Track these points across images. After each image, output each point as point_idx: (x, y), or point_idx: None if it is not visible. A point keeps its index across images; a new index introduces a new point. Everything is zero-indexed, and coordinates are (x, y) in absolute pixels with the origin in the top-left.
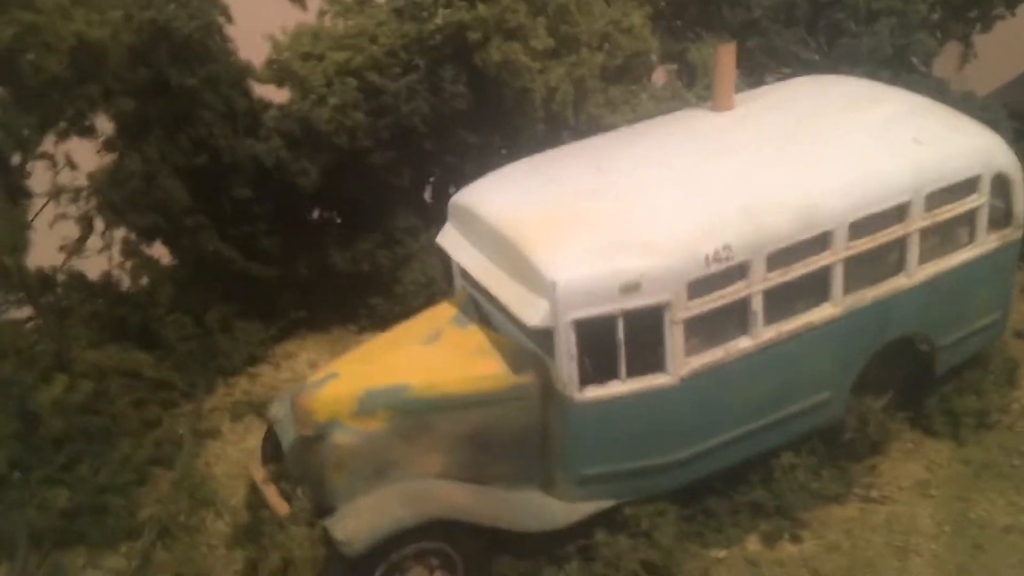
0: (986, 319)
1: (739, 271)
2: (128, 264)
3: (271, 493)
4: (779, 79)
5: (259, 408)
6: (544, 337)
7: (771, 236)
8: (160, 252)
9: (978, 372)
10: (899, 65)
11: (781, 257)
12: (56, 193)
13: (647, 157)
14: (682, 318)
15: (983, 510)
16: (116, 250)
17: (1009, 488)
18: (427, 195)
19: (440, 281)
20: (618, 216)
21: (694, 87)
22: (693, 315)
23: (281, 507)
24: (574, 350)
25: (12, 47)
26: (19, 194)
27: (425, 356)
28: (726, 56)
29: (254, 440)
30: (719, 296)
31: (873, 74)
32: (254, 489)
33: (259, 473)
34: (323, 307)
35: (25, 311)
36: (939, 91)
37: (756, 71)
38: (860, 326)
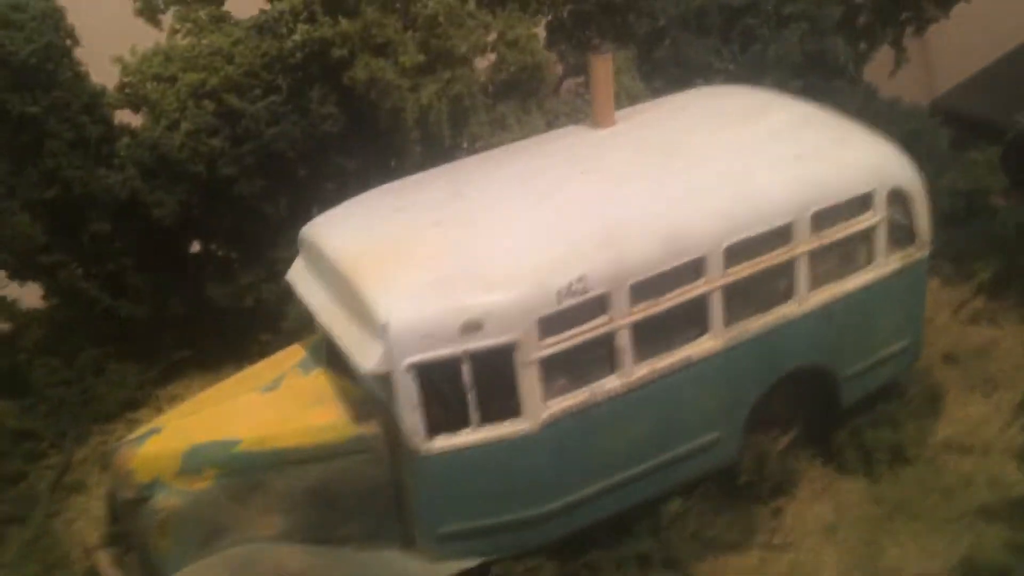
0: (895, 346)
1: (599, 305)
2: None
3: (103, 560)
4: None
5: None
6: (386, 384)
7: (634, 265)
8: (25, 292)
9: (894, 402)
10: (817, 72)
11: (648, 288)
12: None
13: (510, 180)
14: (535, 358)
15: (893, 557)
16: None
17: (923, 530)
18: None
19: None
20: (465, 248)
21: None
22: (548, 355)
23: (109, 574)
24: (416, 398)
25: None
26: None
27: (259, 406)
28: (602, 67)
29: None
30: (577, 333)
31: (783, 83)
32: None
33: (93, 537)
34: (209, 345)
35: None
36: (865, 98)
37: (671, 84)
38: (747, 359)
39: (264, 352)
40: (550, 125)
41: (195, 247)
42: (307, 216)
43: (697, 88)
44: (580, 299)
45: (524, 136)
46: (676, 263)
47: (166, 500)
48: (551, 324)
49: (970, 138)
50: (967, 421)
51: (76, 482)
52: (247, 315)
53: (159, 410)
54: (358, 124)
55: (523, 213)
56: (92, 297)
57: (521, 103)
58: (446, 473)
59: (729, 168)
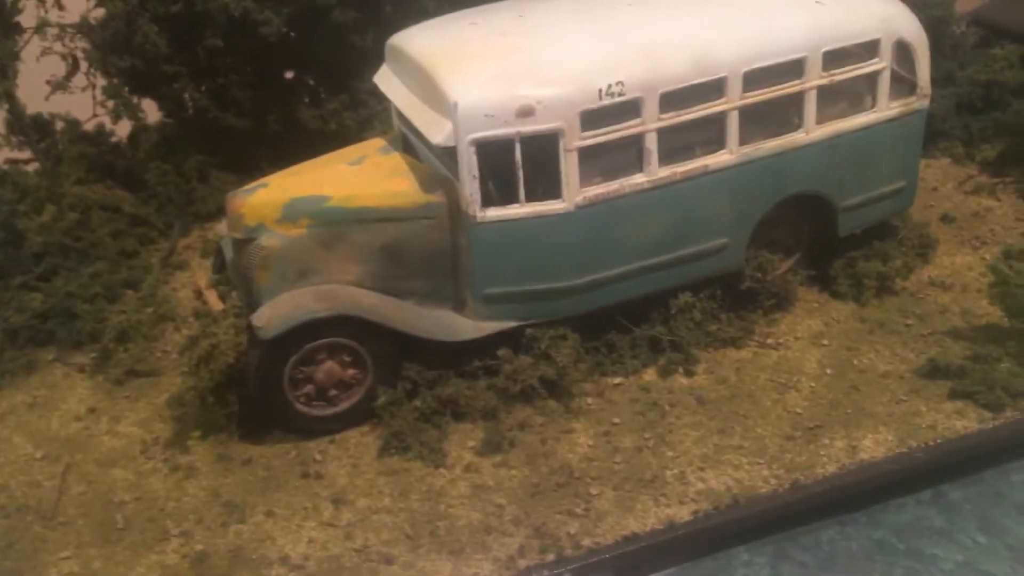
0: (890, 186)
1: (632, 108)
2: (111, 105)
3: (211, 296)
4: None
5: None
6: (451, 159)
7: (665, 77)
8: (146, 107)
9: (888, 241)
10: None
11: (675, 99)
12: (41, 27)
13: (568, 7)
14: (576, 147)
15: (868, 359)
16: (99, 91)
17: (897, 342)
18: None
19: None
20: (524, 51)
21: None
22: (587, 145)
23: (218, 306)
24: (476, 170)
25: None
26: (10, 29)
27: (348, 174)
28: None
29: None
30: (613, 130)
31: None
32: (199, 296)
33: (203, 280)
34: (292, 161)
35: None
36: None
37: None
38: (757, 176)
39: None
40: None
41: (290, 75)
42: None
43: None
44: (618, 100)
45: None
46: (701, 79)
47: (268, 240)
48: (592, 118)
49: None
50: (952, 266)
51: (180, 262)
52: (329, 136)
53: None
54: None
55: (576, 30)
56: (202, 107)
57: None
58: (495, 240)
59: (757, 5)
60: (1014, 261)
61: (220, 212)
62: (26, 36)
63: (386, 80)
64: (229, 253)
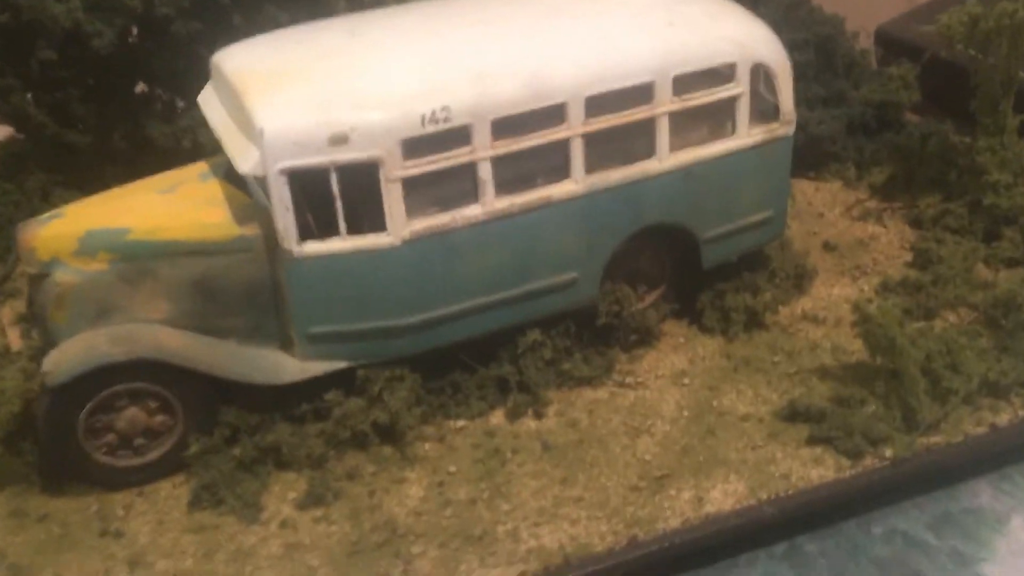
0: (756, 216)
1: (461, 135)
2: None
3: (12, 335)
4: None
5: None
6: (264, 187)
7: (496, 102)
8: None
9: (760, 272)
10: None
11: (512, 126)
12: None
13: (400, 25)
14: (398, 176)
15: (728, 399)
16: None
17: (762, 382)
18: None
19: None
20: (343, 74)
21: None
22: (412, 175)
23: (11, 341)
24: (289, 202)
25: None
26: None
27: (156, 203)
28: None
29: None
30: (440, 159)
31: None
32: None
33: (7, 317)
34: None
35: None
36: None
37: None
38: (606, 207)
39: None
40: None
41: (141, 88)
42: None
43: None
44: (443, 127)
45: None
46: (537, 105)
47: (63, 276)
48: (415, 147)
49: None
50: (829, 299)
51: (14, 289)
52: (185, 156)
53: None
54: None
55: (404, 51)
56: (40, 123)
57: None
58: (316, 276)
59: (602, 27)
60: (891, 294)
61: None
62: None
63: (207, 101)
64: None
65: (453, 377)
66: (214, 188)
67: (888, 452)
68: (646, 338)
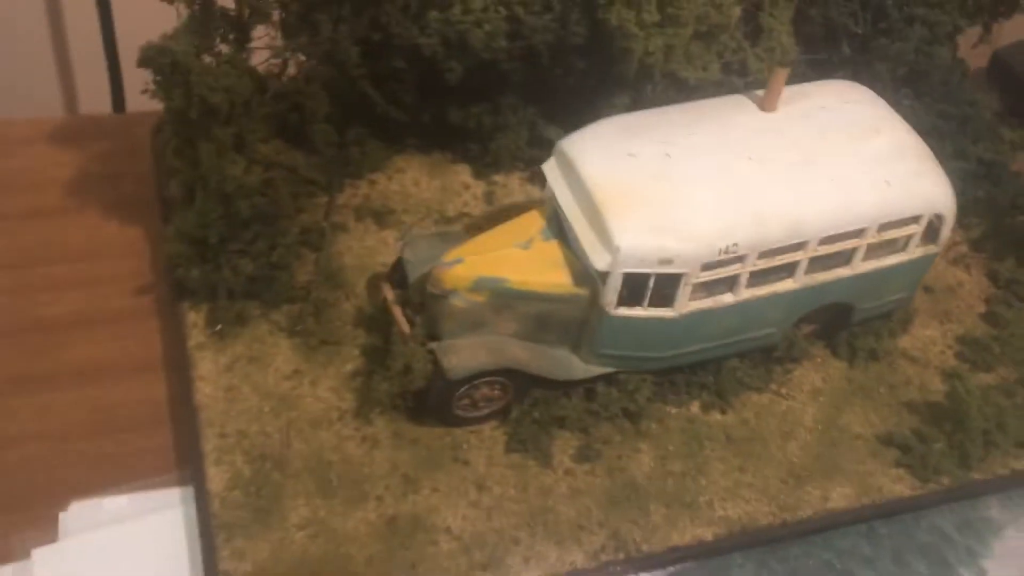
0: (897, 296)
1: (739, 259)
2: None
3: (398, 313)
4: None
5: (376, 213)
6: (603, 275)
7: (766, 240)
8: None
9: (881, 321)
10: (919, 81)
11: (769, 253)
12: None
13: (702, 149)
14: (693, 282)
15: (847, 419)
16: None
17: (871, 408)
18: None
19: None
20: (670, 203)
21: (758, 46)
22: (700, 281)
23: (403, 325)
24: (618, 287)
25: None
26: None
27: (521, 259)
28: (780, 76)
29: (371, 240)
30: (722, 272)
31: (893, 72)
32: (379, 294)
33: (390, 294)
34: (431, 141)
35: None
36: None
37: (813, 38)
38: (808, 295)
39: (465, 155)
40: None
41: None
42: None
43: (833, 84)
44: (730, 256)
45: (706, 76)
46: (791, 242)
47: (457, 302)
48: (709, 265)
49: (1016, 101)
50: (922, 339)
51: (342, 223)
52: (468, 131)
53: (389, 178)
54: (595, 40)
55: (710, 184)
56: (374, 101)
57: (707, 46)
58: (619, 326)
59: (842, 180)
60: (967, 348)
61: (368, 173)
62: None
63: (554, 177)
64: (412, 275)
65: (672, 377)
66: (555, 249)
67: (945, 481)
68: (797, 357)
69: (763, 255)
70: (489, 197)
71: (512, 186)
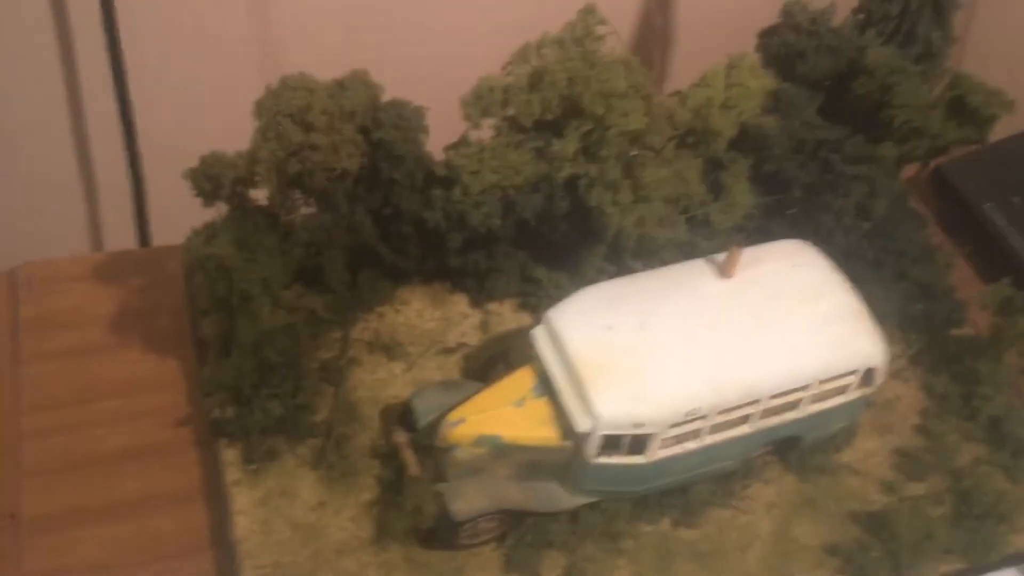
0: (840, 424)
1: (701, 417)
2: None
3: (409, 456)
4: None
5: (385, 347)
6: (584, 435)
7: (724, 402)
8: None
9: (829, 439)
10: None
11: (727, 410)
12: None
13: (671, 320)
14: (661, 438)
15: (798, 530)
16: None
17: (819, 519)
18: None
19: (498, 292)
20: (643, 374)
21: (720, 200)
22: (667, 436)
23: (413, 468)
24: (598, 445)
25: None
26: None
27: (515, 417)
28: (736, 251)
29: (382, 372)
30: (687, 427)
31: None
32: (391, 436)
33: (402, 437)
34: (433, 277)
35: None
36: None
37: (766, 187)
38: (761, 435)
39: (462, 288)
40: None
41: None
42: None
43: (783, 246)
44: (694, 417)
45: (673, 236)
46: (746, 401)
47: (460, 455)
48: (675, 423)
49: (952, 219)
50: (864, 451)
51: (355, 358)
52: (465, 272)
53: (396, 311)
54: (575, 208)
55: (676, 354)
56: (383, 254)
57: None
58: (598, 470)
59: (790, 344)
60: (903, 459)
61: (375, 307)
62: None
63: (542, 343)
64: (421, 421)
65: (646, 497)
66: (544, 408)
67: None
68: (752, 476)
69: (721, 412)
70: (485, 326)
71: (505, 314)
